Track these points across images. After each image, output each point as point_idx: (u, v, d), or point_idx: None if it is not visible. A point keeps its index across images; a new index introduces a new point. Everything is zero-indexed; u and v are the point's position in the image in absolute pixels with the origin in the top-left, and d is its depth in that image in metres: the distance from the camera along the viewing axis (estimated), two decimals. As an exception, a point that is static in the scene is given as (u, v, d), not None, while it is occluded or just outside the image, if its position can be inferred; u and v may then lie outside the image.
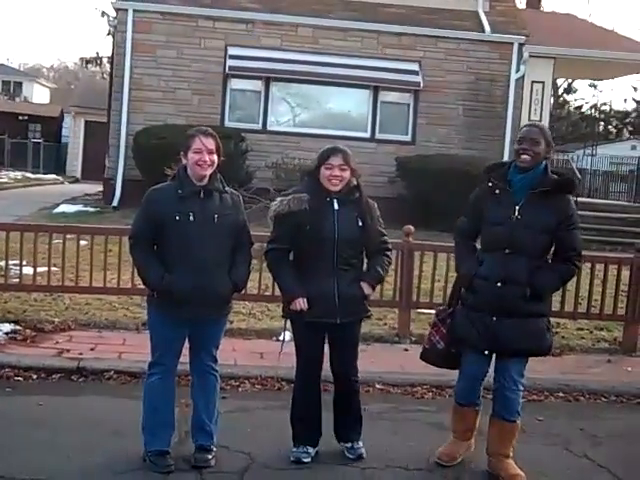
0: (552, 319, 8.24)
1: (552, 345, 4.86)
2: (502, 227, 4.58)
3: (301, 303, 4.67)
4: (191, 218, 4.55)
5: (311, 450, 4.88)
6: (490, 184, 4.67)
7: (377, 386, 6.47)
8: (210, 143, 4.62)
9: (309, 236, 4.66)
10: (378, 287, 7.85)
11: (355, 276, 4.78)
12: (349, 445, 4.97)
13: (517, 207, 4.54)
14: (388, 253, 4.94)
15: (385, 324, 8.27)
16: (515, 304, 4.57)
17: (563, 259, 4.67)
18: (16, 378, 6.25)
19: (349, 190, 4.76)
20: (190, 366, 4.87)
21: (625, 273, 8.10)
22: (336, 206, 4.72)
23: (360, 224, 4.73)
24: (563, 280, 4.86)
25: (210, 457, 4.74)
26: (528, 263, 4.56)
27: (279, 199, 4.79)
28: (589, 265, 8.15)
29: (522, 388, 4.80)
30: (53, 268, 7.92)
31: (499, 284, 4.58)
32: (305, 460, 4.82)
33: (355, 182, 4.79)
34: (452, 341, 4.83)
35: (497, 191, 4.63)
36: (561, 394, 6.63)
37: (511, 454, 4.81)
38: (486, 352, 4.70)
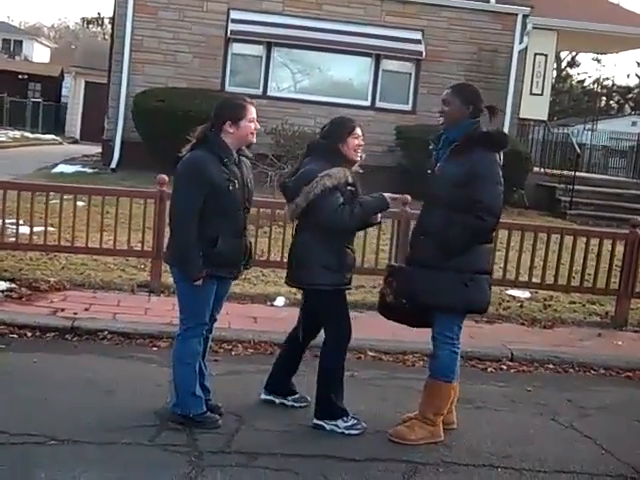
0: (545, 292, 8.50)
1: (470, 302, 4.68)
2: (427, 181, 4.86)
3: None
4: (237, 185, 4.62)
5: None
6: (431, 145, 4.97)
7: (369, 353, 6.52)
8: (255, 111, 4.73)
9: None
10: (373, 256, 7.99)
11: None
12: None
13: (439, 163, 4.78)
14: None
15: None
16: (428, 257, 4.65)
17: (471, 212, 4.57)
18: (11, 335, 6.30)
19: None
20: None
21: (619, 248, 8.14)
22: (350, 179, 4.84)
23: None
24: (467, 233, 4.58)
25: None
26: (442, 216, 4.64)
27: (335, 170, 4.78)
28: (584, 239, 8.19)
29: (445, 347, 4.75)
30: (50, 228, 7.94)
31: (414, 236, 4.94)
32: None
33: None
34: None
35: (434, 150, 4.93)
36: (551, 366, 6.70)
37: (433, 419, 4.77)
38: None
